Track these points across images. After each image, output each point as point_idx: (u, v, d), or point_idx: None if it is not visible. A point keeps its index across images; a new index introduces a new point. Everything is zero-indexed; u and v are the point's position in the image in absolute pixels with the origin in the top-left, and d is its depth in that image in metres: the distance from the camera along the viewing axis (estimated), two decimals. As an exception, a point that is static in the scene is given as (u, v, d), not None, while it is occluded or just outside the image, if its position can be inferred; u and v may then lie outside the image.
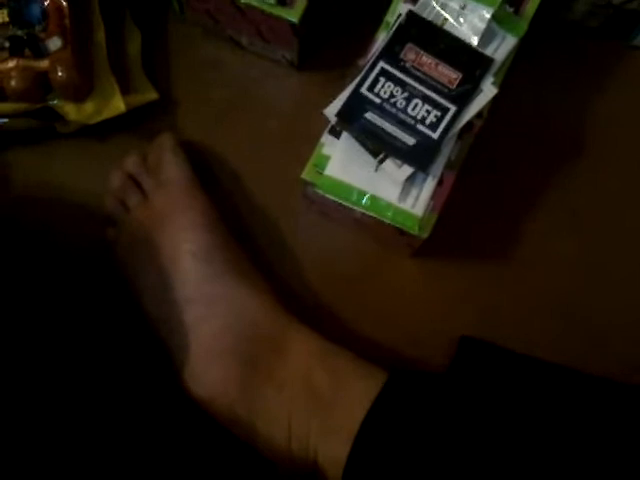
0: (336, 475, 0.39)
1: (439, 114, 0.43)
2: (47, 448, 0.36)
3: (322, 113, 0.44)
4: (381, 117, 0.43)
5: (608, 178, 0.52)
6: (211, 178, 0.52)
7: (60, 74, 0.47)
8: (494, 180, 0.52)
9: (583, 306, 0.50)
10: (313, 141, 0.46)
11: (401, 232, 0.44)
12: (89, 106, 0.49)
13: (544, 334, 0.49)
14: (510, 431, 0.39)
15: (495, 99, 0.45)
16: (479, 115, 0.45)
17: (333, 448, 0.40)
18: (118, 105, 0.50)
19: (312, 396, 0.41)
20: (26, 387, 0.38)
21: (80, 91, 0.48)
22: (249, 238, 0.50)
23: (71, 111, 0.49)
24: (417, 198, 0.43)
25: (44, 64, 0.47)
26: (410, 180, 0.43)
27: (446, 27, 0.45)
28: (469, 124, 0.45)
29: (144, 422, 0.40)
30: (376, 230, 0.47)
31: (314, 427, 0.40)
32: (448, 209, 0.45)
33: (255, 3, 0.48)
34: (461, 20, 0.45)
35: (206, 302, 0.44)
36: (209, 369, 0.42)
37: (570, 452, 0.38)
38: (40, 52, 0.47)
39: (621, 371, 0.46)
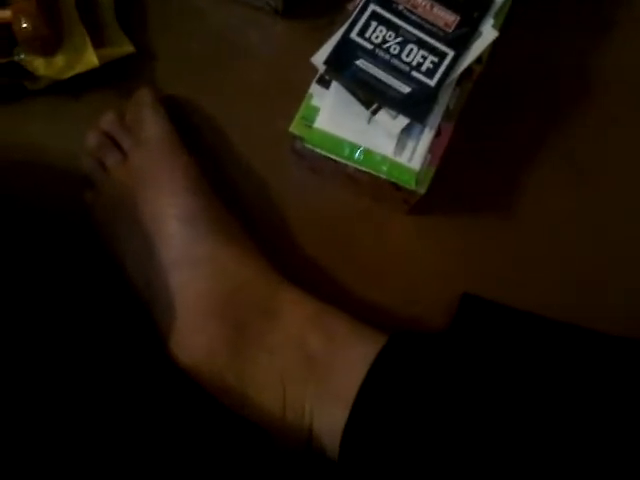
0: (333, 443, 0.38)
1: (436, 60, 0.40)
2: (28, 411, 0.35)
3: (310, 62, 0.41)
4: (373, 64, 0.40)
5: (615, 130, 0.50)
6: (193, 135, 0.49)
7: (24, 25, 0.43)
8: (493, 131, 0.49)
9: (584, 263, 0.48)
10: (301, 93, 0.43)
11: (397, 187, 0.42)
12: (59, 60, 0.46)
13: (545, 291, 0.47)
14: (512, 391, 0.38)
15: (495, 43, 0.42)
16: (478, 60, 0.42)
17: (330, 414, 0.38)
18: (91, 59, 0.46)
19: (307, 361, 0.39)
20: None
21: (48, 44, 0.45)
22: (235, 198, 0.47)
23: (40, 66, 0.46)
24: (414, 151, 0.41)
25: (6, 14, 0.43)
26: (406, 132, 0.41)
27: (442, -35, 0.42)
28: (468, 70, 0.42)
29: (128, 391, 0.38)
30: (370, 186, 0.44)
31: (309, 393, 0.39)
32: (445, 162, 0.42)
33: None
34: (458, -43, 0.42)
35: (191, 265, 0.41)
36: (196, 335, 0.40)
37: (573, 409, 0.37)
38: (1, 1, 0.43)
39: (623, 326, 0.44)
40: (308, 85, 0.43)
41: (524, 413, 0.36)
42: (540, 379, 0.38)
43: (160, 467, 0.36)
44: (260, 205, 0.48)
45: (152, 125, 0.46)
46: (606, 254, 0.48)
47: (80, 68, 0.46)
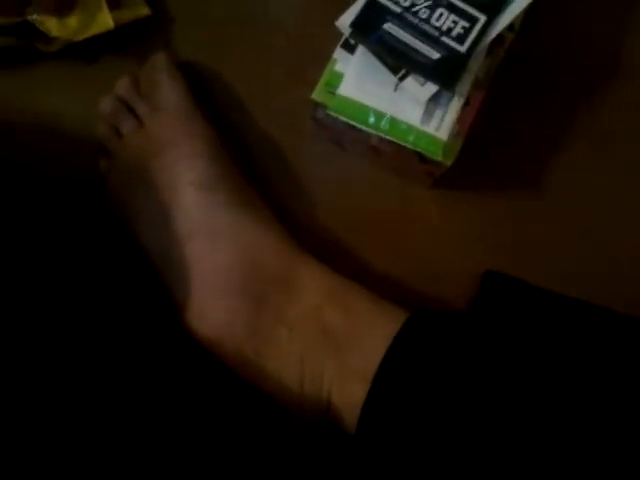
0: (352, 419, 0.37)
1: (467, 25, 0.39)
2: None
3: (334, 25, 0.40)
4: (401, 28, 0.38)
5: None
6: (210, 103, 0.47)
7: (38, -18, 0.42)
8: (522, 105, 0.48)
9: (613, 241, 0.46)
10: (323, 60, 0.41)
11: (422, 159, 0.40)
12: (73, 21, 0.44)
13: (571, 269, 0.46)
14: (536, 370, 0.36)
15: (528, 11, 0.40)
16: (510, 28, 0.40)
17: (349, 390, 0.37)
18: (105, 20, 0.45)
19: (326, 336, 0.38)
20: (16, 321, 0.35)
21: (62, 3, 0.43)
22: (253, 169, 0.46)
23: (53, 27, 0.44)
24: (441, 120, 0.39)
25: (19, -29, 0.42)
26: (434, 100, 0.39)
27: None
28: (499, 37, 0.40)
29: (144, 364, 0.37)
30: (394, 158, 0.42)
31: (328, 368, 0.38)
32: (472, 135, 0.41)
33: None
34: None
35: (209, 236, 0.40)
36: (213, 308, 0.39)
37: (598, 389, 0.35)
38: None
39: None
40: (330, 52, 0.41)
41: (545, 394, 0.35)
42: (565, 362, 0.37)
43: (175, 441, 0.36)
44: (278, 176, 0.47)
45: (168, 91, 0.44)
46: (637, 233, 0.46)
47: (94, 30, 0.45)
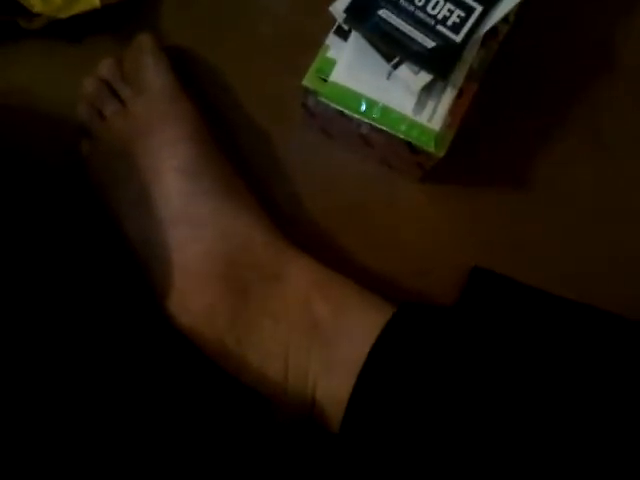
0: (336, 413, 0.36)
1: (463, 14, 0.38)
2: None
3: (325, 12, 0.39)
4: (397, 15, 0.38)
5: (638, 101, 0.47)
6: (197, 89, 0.46)
7: (22, -45, 0.40)
8: (514, 97, 0.47)
9: (601, 238, 0.46)
10: (313, 48, 0.40)
11: (413, 150, 0.40)
12: (57, -4, 0.43)
13: (558, 266, 0.45)
14: (521, 367, 0.36)
15: (523, 5, 0.40)
16: (506, 20, 0.40)
17: (334, 384, 0.36)
18: (92, -2, 0.43)
19: (312, 328, 0.37)
20: None
21: (46, -22, 0.42)
22: (239, 156, 0.45)
23: (37, 2, 0.43)
24: (434, 111, 0.38)
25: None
26: (427, 90, 0.38)
27: None
28: (494, 29, 0.39)
29: (121, 350, 0.36)
30: (384, 148, 0.42)
31: (314, 361, 0.37)
32: (463, 127, 0.40)
33: None
34: None
35: (192, 223, 0.39)
36: (195, 296, 0.38)
37: (583, 388, 0.35)
38: None
39: (635, 306, 0.42)
40: (321, 39, 0.40)
41: (531, 391, 0.35)
42: (551, 360, 0.37)
43: (153, 433, 0.34)
44: (265, 164, 0.46)
45: (153, 73, 0.43)
46: (624, 229, 0.46)
47: (80, 8, 0.43)
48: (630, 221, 0.46)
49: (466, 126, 0.40)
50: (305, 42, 0.41)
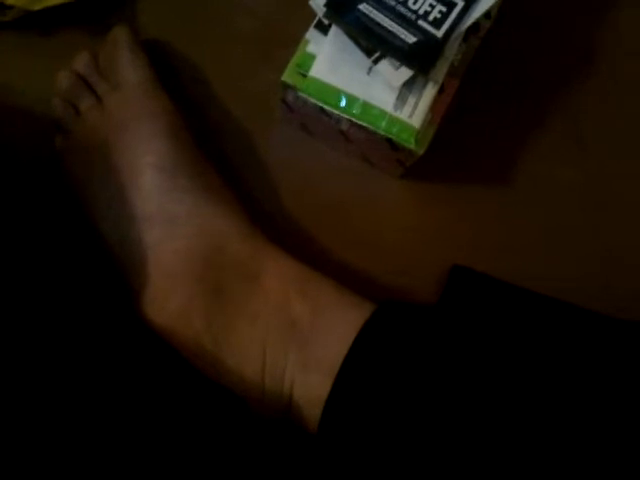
0: (314, 414, 0.35)
1: (444, 9, 0.37)
2: None
3: (304, 7, 0.38)
4: (377, 10, 0.37)
5: (618, 100, 0.47)
6: (175, 84, 0.45)
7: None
8: (496, 97, 0.47)
9: (584, 237, 0.46)
10: (293, 43, 0.40)
11: (393, 146, 0.39)
12: (30, -12, 0.42)
13: (541, 265, 0.45)
14: (503, 367, 0.36)
15: (503, 3, 0.39)
16: (487, 15, 0.40)
17: (312, 384, 0.36)
18: (66, -10, 0.42)
19: (290, 327, 0.36)
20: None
21: (19, -32, 0.41)
22: (218, 154, 0.44)
23: (9, -6, 0.41)
24: (415, 107, 0.38)
25: None
26: (408, 85, 0.38)
27: None
28: (476, 25, 0.39)
29: (96, 351, 0.35)
30: (364, 144, 0.41)
31: (291, 361, 0.36)
32: (444, 125, 0.40)
33: None
34: None
35: (169, 221, 0.38)
36: (171, 296, 0.37)
37: (564, 389, 0.35)
38: None
39: (621, 306, 0.42)
40: (301, 35, 0.39)
41: (511, 390, 0.34)
42: (532, 359, 0.36)
43: (128, 433, 0.33)
44: (245, 163, 0.45)
45: (129, 67, 0.42)
46: (607, 228, 0.46)
47: (53, 0, 0.42)
48: (615, 219, 0.46)
49: (448, 123, 0.40)
50: (285, 37, 0.40)
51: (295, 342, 0.36)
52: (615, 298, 0.44)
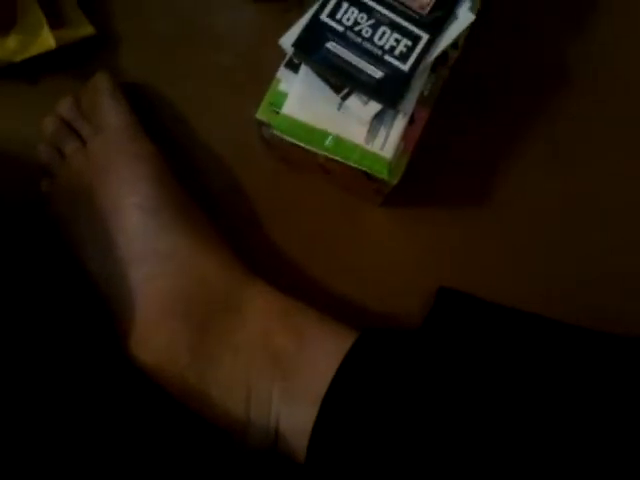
0: (300, 445, 0.36)
1: (410, 43, 0.38)
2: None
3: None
4: (344, 47, 0.38)
5: (594, 111, 0.48)
6: (157, 123, 0.46)
7: (-27, 2, 0.40)
8: (472, 119, 0.48)
9: (566, 251, 0.46)
10: (271, 78, 0.41)
11: (369, 177, 0.40)
12: (12, 41, 0.43)
13: (526, 283, 0.45)
14: (488, 390, 0.36)
15: (472, 27, 0.40)
16: (454, 45, 0.41)
17: (297, 414, 0.36)
18: (47, 40, 0.44)
19: (273, 359, 0.37)
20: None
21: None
22: (201, 188, 0.45)
23: (-9, 47, 0.43)
24: (386, 139, 0.39)
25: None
26: (378, 118, 0.39)
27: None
28: (444, 55, 0.40)
29: (82, 390, 0.36)
30: (341, 176, 0.42)
31: (276, 393, 0.37)
32: (420, 151, 0.41)
33: None
34: None
35: (153, 260, 0.39)
36: (156, 334, 0.38)
37: (551, 407, 0.35)
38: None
39: (608, 321, 0.42)
40: (277, 71, 0.41)
41: (500, 414, 0.35)
42: (518, 376, 0.37)
43: (114, 468, 0.34)
44: (228, 196, 0.46)
45: (110, 112, 0.43)
46: (589, 245, 0.46)
47: (35, 50, 0.44)
48: (597, 236, 0.46)
49: (423, 149, 0.41)
50: (263, 71, 0.41)
51: (279, 373, 0.37)
52: (605, 314, 0.44)
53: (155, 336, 0.38)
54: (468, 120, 0.48)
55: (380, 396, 0.36)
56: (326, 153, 0.39)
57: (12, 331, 0.37)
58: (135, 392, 0.37)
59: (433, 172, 0.46)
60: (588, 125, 0.48)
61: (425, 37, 0.39)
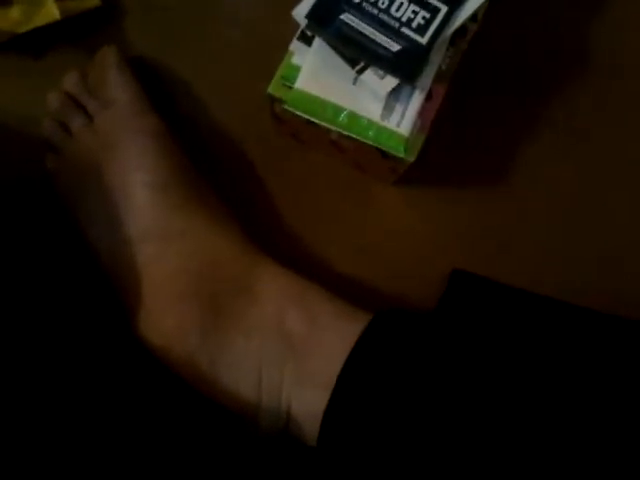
0: (312, 428, 0.35)
1: (428, 16, 0.37)
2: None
3: (292, 17, 0.38)
4: (360, 19, 0.37)
5: (612, 92, 0.47)
6: (165, 99, 0.45)
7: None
8: (487, 95, 0.46)
9: (583, 234, 0.45)
10: (283, 52, 0.39)
11: (384, 155, 0.39)
12: (15, 11, 0.42)
13: (541, 266, 0.44)
14: (502, 373, 0.35)
15: (492, 1, 0.39)
16: (474, 18, 0.39)
17: (309, 397, 0.36)
18: (51, 11, 0.43)
19: (285, 342, 0.36)
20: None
21: (3, -7, 0.41)
22: (210, 166, 0.44)
23: (-6, 18, 0.42)
24: (403, 115, 0.37)
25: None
26: (394, 94, 0.37)
27: None
28: (462, 29, 0.39)
29: (91, 372, 0.35)
30: (355, 153, 0.41)
31: (288, 375, 0.36)
32: (436, 128, 0.39)
33: None
34: None
35: (161, 238, 0.38)
36: (166, 314, 0.37)
37: (565, 389, 0.34)
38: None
39: (623, 304, 0.41)
40: (289, 45, 0.39)
41: (514, 396, 0.34)
42: (532, 359, 0.36)
43: (124, 452, 0.34)
44: (238, 174, 0.45)
45: (117, 87, 0.42)
46: (606, 227, 0.45)
47: (39, 21, 0.43)
48: (616, 218, 0.45)
49: (440, 127, 0.40)
50: (274, 46, 0.40)
51: (291, 356, 0.36)
52: (621, 298, 0.43)
53: (165, 318, 0.37)
54: (484, 100, 0.46)
55: (393, 380, 0.35)
56: (340, 129, 0.38)
57: (19, 312, 0.37)
58: (144, 374, 0.37)
59: (448, 151, 0.45)
60: (605, 106, 0.47)
61: (444, 9, 0.37)
